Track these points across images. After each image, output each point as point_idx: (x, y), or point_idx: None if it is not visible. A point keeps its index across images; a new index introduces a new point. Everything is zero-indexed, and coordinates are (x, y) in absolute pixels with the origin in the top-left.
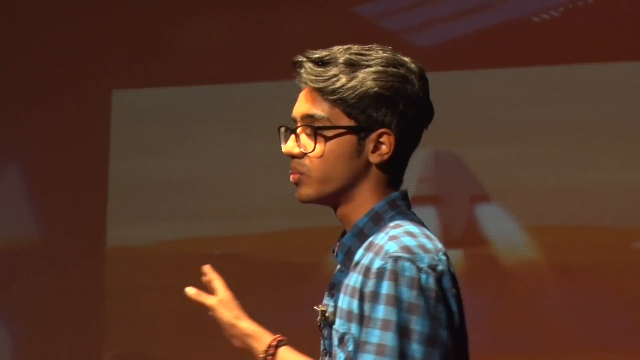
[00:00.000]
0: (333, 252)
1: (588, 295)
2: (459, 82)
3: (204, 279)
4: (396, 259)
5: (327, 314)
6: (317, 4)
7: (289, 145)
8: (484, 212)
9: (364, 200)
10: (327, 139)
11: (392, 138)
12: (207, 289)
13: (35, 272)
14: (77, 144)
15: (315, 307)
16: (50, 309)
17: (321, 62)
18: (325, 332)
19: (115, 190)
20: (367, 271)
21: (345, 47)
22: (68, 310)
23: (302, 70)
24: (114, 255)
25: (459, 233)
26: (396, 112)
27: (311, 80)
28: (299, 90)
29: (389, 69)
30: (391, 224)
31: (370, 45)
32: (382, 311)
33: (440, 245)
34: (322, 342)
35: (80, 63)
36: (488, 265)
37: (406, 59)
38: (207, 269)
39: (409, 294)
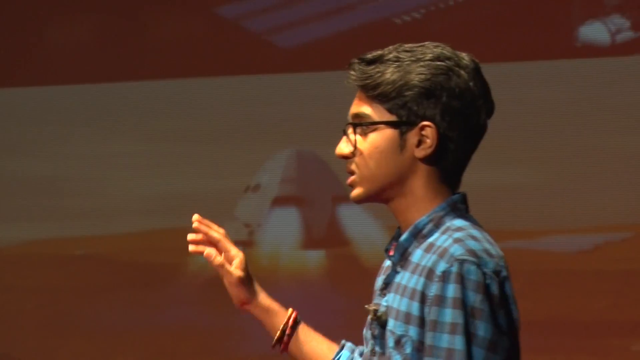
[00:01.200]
0: (387, 251)
1: None
2: (321, 83)
3: (197, 232)
4: (462, 262)
5: (379, 313)
6: (180, 4)
7: (339, 147)
8: (346, 213)
9: (419, 198)
10: (370, 136)
11: (434, 131)
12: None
13: None
14: None
15: (365, 306)
16: None
17: (370, 61)
18: (377, 332)
19: None
20: (430, 274)
21: (397, 45)
22: None
23: (352, 71)
24: None
25: (321, 233)
26: (439, 105)
27: (356, 79)
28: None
29: (432, 63)
30: (453, 227)
31: (424, 43)
32: (450, 315)
33: (501, 252)
34: (370, 341)
35: None
36: (350, 265)
37: (462, 54)
38: (198, 218)
39: (474, 298)
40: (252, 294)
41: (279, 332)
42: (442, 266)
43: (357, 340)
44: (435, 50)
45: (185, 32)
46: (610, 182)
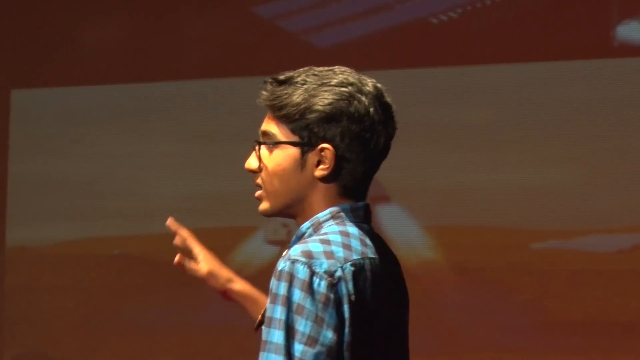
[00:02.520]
0: None
1: (487, 296)
2: None
3: (176, 238)
4: (293, 261)
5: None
6: (217, 3)
7: (248, 161)
8: (384, 213)
9: (314, 212)
10: (275, 154)
11: (332, 153)
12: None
13: None
14: None
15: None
16: None
17: (280, 82)
18: None
19: (15, 190)
20: (274, 272)
21: (307, 68)
22: None
23: (263, 91)
24: (13, 256)
25: None
26: (339, 128)
27: (264, 99)
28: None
29: (335, 88)
30: (322, 231)
31: (333, 67)
32: (278, 311)
33: (356, 257)
34: None
35: None
36: None
37: (366, 80)
38: (170, 221)
39: (298, 295)
40: (227, 282)
41: (259, 317)
42: (280, 265)
43: None
44: (340, 76)
45: (220, 31)
46: None
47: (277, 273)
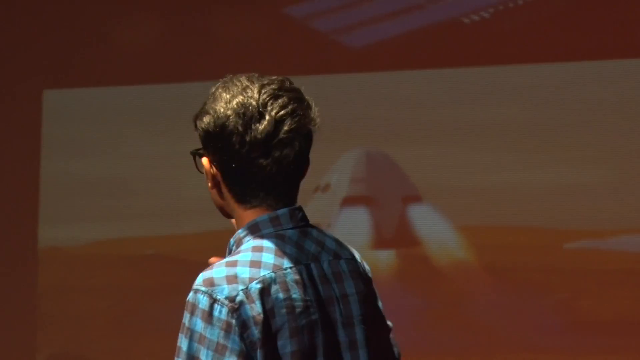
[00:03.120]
0: None
1: (519, 296)
2: (389, 82)
3: None
4: (195, 291)
5: None
6: (249, 4)
7: None
8: (416, 213)
9: (237, 220)
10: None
11: (207, 163)
12: None
13: None
14: (8, 144)
15: None
16: None
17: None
18: None
19: (47, 190)
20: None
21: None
22: (0, 310)
23: None
24: (45, 256)
25: (391, 233)
26: (217, 146)
27: None
28: None
29: (205, 106)
30: (239, 248)
31: (249, 76)
32: (183, 341)
33: (264, 272)
34: None
35: (11, 63)
36: (420, 265)
37: (251, 90)
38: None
39: (200, 326)
40: None
41: None
42: (189, 295)
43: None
44: (216, 93)
45: (253, 32)
46: None
47: (186, 303)
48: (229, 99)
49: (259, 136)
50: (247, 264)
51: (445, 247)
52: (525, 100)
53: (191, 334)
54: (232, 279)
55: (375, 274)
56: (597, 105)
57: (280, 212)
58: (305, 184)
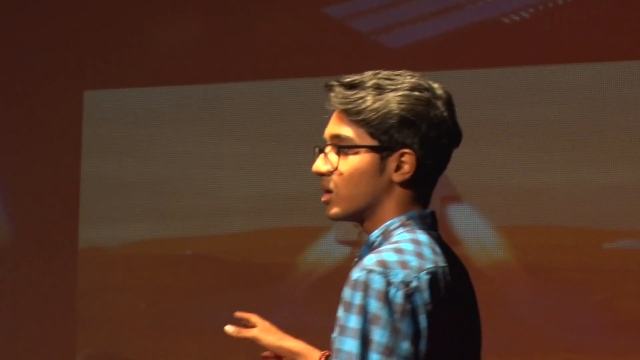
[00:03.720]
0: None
1: (558, 296)
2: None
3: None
4: (369, 271)
5: None
6: (288, 4)
7: (317, 164)
8: (456, 212)
9: (385, 217)
10: (351, 158)
11: (413, 158)
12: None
13: (8, 273)
14: (49, 144)
15: None
16: (23, 310)
17: (350, 86)
18: None
19: (87, 191)
20: (347, 280)
21: (375, 72)
22: (41, 310)
23: (332, 94)
24: (86, 256)
25: None
26: (418, 133)
27: (339, 102)
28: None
29: (413, 93)
30: (393, 240)
31: (399, 71)
32: (353, 320)
33: (429, 265)
34: None
35: (52, 63)
36: None
37: (434, 84)
38: (238, 315)
39: (375, 306)
40: (280, 340)
41: None
42: (354, 274)
43: None
44: (412, 80)
45: (292, 32)
46: None
47: (352, 282)
48: (423, 86)
49: (456, 128)
50: (413, 253)
51: (485, 247)
52: (565, 100)
53: (365, 313)
54: (404, 265)
55: None
56: (636, 106)
57: (427, 212)
58: None
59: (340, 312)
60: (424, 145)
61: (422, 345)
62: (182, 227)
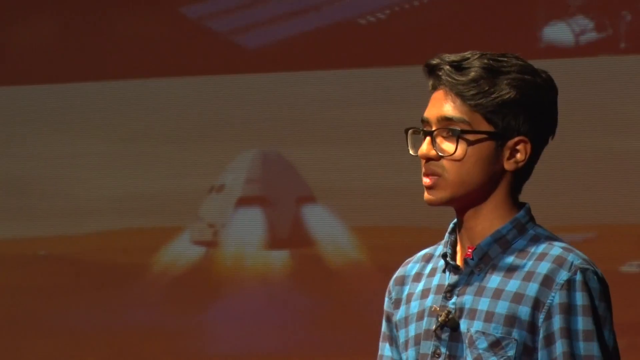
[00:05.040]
0: (445, 256)
1: None
2: (285, 83)
3: None
4: (584, 270)
5: (451, 315)
6: (144, 3)
7: (425, 148)
8: (311, 213)
9: (499, 206)
10: (467, 142)
11: (528, 146)
12: None
13: None
14: None
15: (433, 309)
16: None
17: (460, 67)
18: (445, 334)
19: None
20: (546, 281)
21: (479, 53)
22: None
23: (441, 73)
24: None
25: (286, 234)
26: (532, 120)
27: (451, 84)
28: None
29: (526, 77)
30: (543, 235)
31: (504, 54)
32: (582, 322)
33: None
34: (431, 343)
35: None
36: (314, 266)
37: (539, 69)
38: None
39: (600, 306)
40: None
41: None
42: (564, 274)
43: (324, 340)
44: (519, 62)
45: (150, 31)
46: (573, 182)
47: (565, 283)
48: (534, 70)
49: (555, 111)
50: (577, 248)
51: (339, 247)
52: (421, 101)
53: (594, 314)
54: (591, 262)
55: (270, 274)
56: None
57: (529, 205)
58: (199, 185)
59: (521, 310)
60: (537, 132)
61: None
62: (35, 227)
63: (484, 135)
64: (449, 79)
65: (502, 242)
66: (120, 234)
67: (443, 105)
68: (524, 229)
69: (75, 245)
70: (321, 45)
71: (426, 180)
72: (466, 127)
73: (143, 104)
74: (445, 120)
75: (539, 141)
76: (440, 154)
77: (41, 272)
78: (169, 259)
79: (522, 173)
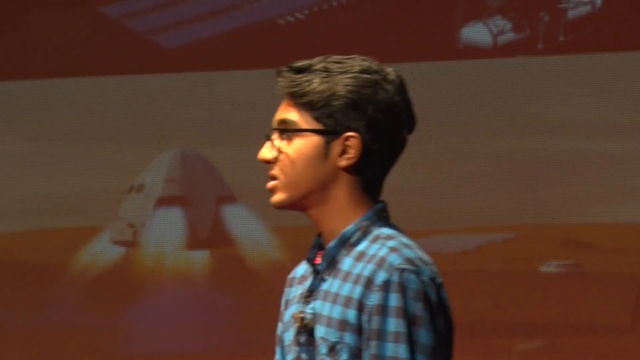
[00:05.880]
0: (309, 259)
1: None
2: (205, 83)
3: None
4: (402, 270)
5: (305, 321)
6: (63, 2)
7: (263, 152)
8: (231, 213)
9: (343, 206)
10: (295, 142)
11: (359, 142)
12: None
13: None
14: None
15: (295, 315)
16: None
17: (298, 70)
18: (303, 339)
19: None
20: (368, 283)
21: (326, 56)
22: None
23: (280, 78)
24: None
25: (206, 234)
26: (364, 117)
27: (285, 86)
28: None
29: (360, 75)
30: (382, 235)
31: (351, 56)
32: (393, 324)
33: (431, 258)
34: (294, 349)
35: None
36: (234, 265)
37: (388, 69)
38: None
39: (415, 306)
40: None
41: None
42: (382, 276)
43: (244, 340)
44: (363, 63)
45: (67, 30)
46: (491, 183)
47: (382, 284)
48: (373, 69)
49: (408, 113)
50: (418, 248)
51: (260, 247)
52: None
53: (405, 315)
54: (423, 261)
55: (190, 274)
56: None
57: (384, 202)
58: (118, 184)
59: (376, 316)
60: (370, 129)
61: (451, 343)
62: None
63: (310, 133)
64: (284, 83)
65: (347, 245)
66: (39, 234)
67: (281, 109)
68: (368, 230)
69: None
70: (240, 45)
71: (268, 184)
72: (295, 127)
73: (62, 103)
74: (282, 123)
75: (376, 138)
76: (273, 156)
77: None
78: (88, 259)
79: (363, 170)
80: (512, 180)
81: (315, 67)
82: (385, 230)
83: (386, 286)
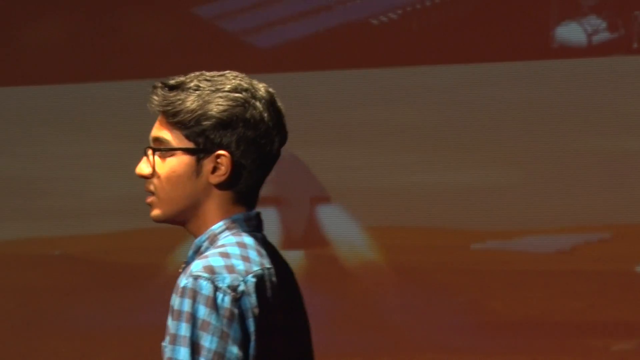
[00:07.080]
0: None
1: (427, 296)
2: (297, 83)
3: None
4: (196, 277)
5: None
6: (158, 4)
7: (140, 167)
8: (325, 213)
9: (208, 220)
10: (168, 160)
11: (228, 159)
12: None
13: None
14: None
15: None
16: None
17: (172, 87)
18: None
19: None
20: (175, 288)
21: (199, 73)
22: None
23: (154, 95)
24: None
25: (300, 234)
26: (234, 135)
27: (157, 104)
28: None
29: (230, 94)
30: (219, 244)
31: (223, 72)
32: (183, 328)
33: (256, 268)
34: None
35: None
36: (329, 266)
37: (259, 85)
38: None
39: (203, 312)
40: None
41: None
42: (182, 282)
43: (339, 340)
44: (233, 81)
45: (160, 32)
46: (587, 182)
47: (180, 290)
48: (243, 87)
49: (283, 130)
50: (239, 257)
51: (354, 247)
52: (433, 101)
53: (193, 320)
54: (231, 269)
55: None
56: (504, 106)
57: (252, 213)
58: None
59: (170, 321)
60: (240, 146)
61: (252, 349)
62: (50, 227)
63: (182, 152)
64: (156, 100)
65: (199, 255)
66: (132, 234)
67: (155, 126)
68: (215, 239)
69: (88, 245)
70: (334, 45)
71: (147, 199)
72: (168, 146)
73: None
74: (156, 141)
75: (246, 154)
76: (149, 172)
77: (56, 272)
78: (183, 259)
79: (234, 185)
80: (607, 179)
81: (188, 85)
82: (227, 240)
83: (182, 292)
